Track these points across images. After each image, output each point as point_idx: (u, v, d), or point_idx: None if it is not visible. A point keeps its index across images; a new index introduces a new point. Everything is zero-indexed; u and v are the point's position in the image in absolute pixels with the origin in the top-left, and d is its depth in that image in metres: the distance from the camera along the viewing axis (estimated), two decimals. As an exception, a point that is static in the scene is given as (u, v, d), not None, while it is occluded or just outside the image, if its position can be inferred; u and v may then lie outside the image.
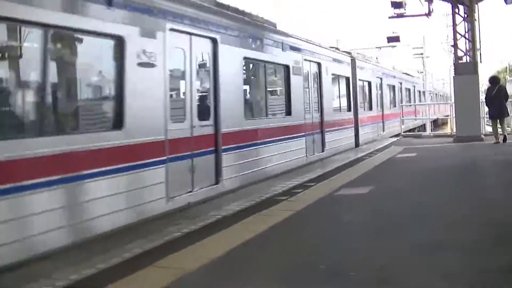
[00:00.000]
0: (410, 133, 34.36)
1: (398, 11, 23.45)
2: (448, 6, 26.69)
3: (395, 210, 10.29)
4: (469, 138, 23.29)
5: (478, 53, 25.49)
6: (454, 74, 26.33)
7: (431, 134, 32.17)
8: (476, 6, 25.70)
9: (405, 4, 23.63)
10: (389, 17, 23.86)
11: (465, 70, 24.62)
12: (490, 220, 8.95)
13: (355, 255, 7.44)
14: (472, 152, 20.27)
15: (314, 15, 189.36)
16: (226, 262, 7.43)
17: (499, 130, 23.06)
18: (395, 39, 28.45)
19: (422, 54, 63.59)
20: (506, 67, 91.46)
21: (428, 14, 22.74)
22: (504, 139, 22.45)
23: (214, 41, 13.26)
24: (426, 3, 22.92)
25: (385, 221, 9.42)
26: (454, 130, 27.27)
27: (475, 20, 25.46)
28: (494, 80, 24.31)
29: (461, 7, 25.54)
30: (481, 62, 25.73)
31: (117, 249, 8.35)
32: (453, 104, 27.02)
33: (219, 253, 7.76)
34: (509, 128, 27.49)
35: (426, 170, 16.18)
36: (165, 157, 11.00)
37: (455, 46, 26.40)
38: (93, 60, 10.03)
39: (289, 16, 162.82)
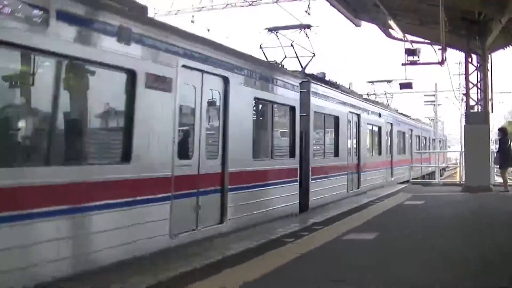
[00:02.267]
0: (419, 180, 34.27)
1: (411, 58, 23.44)
2: (461, 54, 26.71)
3: (398, 259, 10.18)
4: (478, 188, 23.14)
5: (489, 103, 25.48)
6: (465, 123, 26.29)
7: (440, 182, 32.04)
8: (489, 56, 25.76)
9: (419, 51, 23.64)
10: (402, 64, 23.84)
11: (476, 120, 24.61)
12: (492, 275, 8.84)
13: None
14: (481, 202, 20.15)
15: (328, 57, 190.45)
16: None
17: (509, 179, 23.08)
18: (408, 85, 28.37)
19: (434, 101, 63.56)
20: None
21: (441, 62, 22.71)
22: None
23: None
24: (440, 51, 22.90)
25: (388, 270, 9.33)
26: (463, 179, 27.12)
27: (488, 70, 25.48)
28: (503, 130, 24.37)
29: (474, 56, 25.60)
30: (492, 112, 25.73)
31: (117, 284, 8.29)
32: (463, 153, 26.97)
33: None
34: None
35: (433, 218, 16.05)
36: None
37: (467, 95, 26.39)
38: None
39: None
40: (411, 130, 35.80)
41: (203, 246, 11.40)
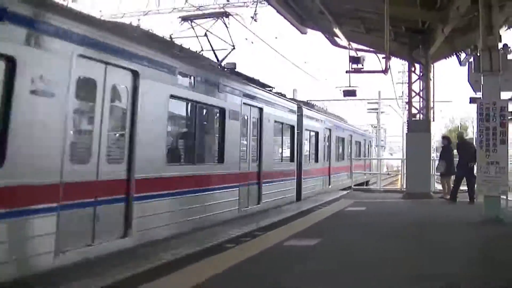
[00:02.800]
0: (361, 187, 34.57)
1: (355, 66, 23.69)
2: (405, 63, 27.08)
3: (339, 264, 10.25)
4: (418, 195, 23.45)
5: (431, 111, 25.87)
6: (407, 131, 26.65)
7: (381, 189, 32.38)
8: (432, 65, 26.16)
9: (363, 59, 23.90)
10: (346, 72, 24.07)
11: (418, 128, 24.99)
12: (432, 276, 8.96)
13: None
14: (421, 209, 20.46)
15: (272, 63, 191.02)
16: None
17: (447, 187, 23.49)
18: (352, 93, 28.65)
19: (377, 109, 64.33)
20: (458, 127, 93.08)
21: (385, 71, 22.98)
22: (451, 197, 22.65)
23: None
24: (384, 60, 23.19)
25: (330, 273, 9.38)
26: (404, 186, 27.47)
27: (430, 79, 25.88)
28: (447, 138, 24.81)
29: (417, 65, 25.98)
30: (434, 120, 26.13)
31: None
32: (404, 160, 27.36)
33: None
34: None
35: (373, 225, 16.19)
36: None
37: (409, 103, 26.77)
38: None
39: (245, 62, 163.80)
40: (351, 136, 35.76)
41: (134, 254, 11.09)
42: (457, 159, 22.80)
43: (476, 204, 20.81)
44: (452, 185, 23.08)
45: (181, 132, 15.50)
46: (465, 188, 22.44)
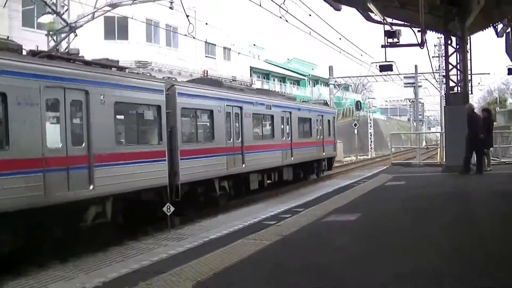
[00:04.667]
0: (400, 161, 34.57)
1: (391, 40, 23.51)
2: (441, 37, 26.83)
3: (381, 237, 10.31)
4: (458, 168, 23.29)
5: (469, 84, 25.64)
6: (445, 104, 26.46)
7: (421, 163, 32.26)
8: (469, 38, 25.89)
9: (399, 33, 23.71)
10: (381, 46, 23.89)
11: (456, 101, 24.73)
12: (474, 252, 8.97)
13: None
14: (461, 182, 20.37)
15: (309, 41, 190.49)
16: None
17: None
18: (388, 67, 28.51)
19: (413, 83, 63.79)
20: (496, 99, 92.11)
21: (421, 44, 22.82)
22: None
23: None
24: (419, 33, 23.00)
25: (371, 247, 9.44)
26: (444, 160, 27.34)
27: (467, 51, 25.62)
28: (488, 111, 24.60)
29: (453, 38, 25.71)
30: (471, 93, 25.91)
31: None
32: (443, 134, 27.20)
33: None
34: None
35: (413, 198, 16.17)
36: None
37: (446, 77, 26.52)
38: None
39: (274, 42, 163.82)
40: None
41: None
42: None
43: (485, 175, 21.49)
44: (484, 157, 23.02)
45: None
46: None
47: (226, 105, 23.39)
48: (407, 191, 18.23)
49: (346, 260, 8.59)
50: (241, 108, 24.74)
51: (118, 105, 16.68)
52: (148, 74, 22.17)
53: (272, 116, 28.60)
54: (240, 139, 24.34)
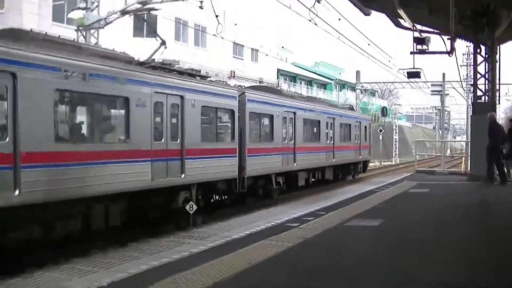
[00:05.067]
0: (424, 169, 34.52)
1: (420, 47, 23.43)
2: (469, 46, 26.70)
3: (403, 245, 10.31)
4: (483, 178, 23.14)
5: (497, 93, 25.51)
6: (472, 113, 26.34)
7: (445, 171, 32.14)
8: (498, 47, 25.75)
9: (428, 40, 23.63)
10: (410, 53, 23.82)
11: (483, 110, 24.57)
12: (495, 266, 8.95)
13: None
14: (486, 192, 20.24)
15: (336, 45, 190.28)
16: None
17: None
18: (416, 74, 28.38)
19: (440, 91, 63.55)
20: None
21: (450, 52, 22.72)
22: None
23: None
24: (449, 41, 22.92)
25: (393, 253, 9.46)
26: (468, 169, 27.22)
27: (496, 61, 25.48)
28: (512, 120, 24.47)
29: (482, 47, 25.58)
30: (499, 103, 25.76)
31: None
32: (469, 143, 27.06)
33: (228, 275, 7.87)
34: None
35: (436, 206, 16.13)
36: None
37: (474, 85, 26.43)
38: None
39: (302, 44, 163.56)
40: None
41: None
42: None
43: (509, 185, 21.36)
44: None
45: None
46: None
47: (284, 111, 26.38)
48: (430, 199, 18.19)
49: (366, 264, 8.62)
50: (294, 113, 27.50)
51: (203, 108, 19.66)
52: (224, 82, 26.01)
53: (319, 121, 31.30)
54: (292, 141, 27.06)
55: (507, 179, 22.63)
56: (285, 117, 26.59)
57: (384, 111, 71.40)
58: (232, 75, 52.53)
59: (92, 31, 34.62)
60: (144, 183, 16.06)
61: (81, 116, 15.42)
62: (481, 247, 10.15)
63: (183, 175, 17.94)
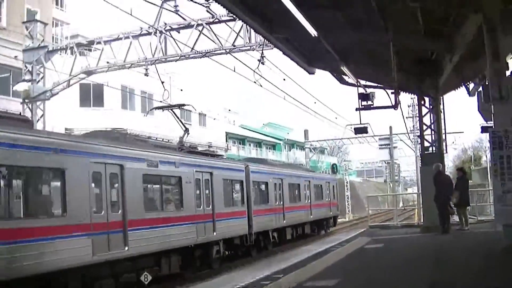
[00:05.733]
0: (378, 224, 34.69)
1: (365, 103, 23.67)
2: (414, 97, 27.07)
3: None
4: (436, 228, 23.19)
5: (443, 143, 25.80)
6: (421, 164, 26.56)
7: (399, 225, 32.20)
8: (441, 97, 26.13)
9: (373, 96, 23.89)
10: (356, 109, 24.06)
11: (431, 161, 24.75)
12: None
13: None
14: (440, 243, 20.24)
15: (284, 105, 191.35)
16: None
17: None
18: (363, 130, 28.61)
19: (388, 145, 64.31)
20: (471, 157, 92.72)
21: (395, 106, 23.02)
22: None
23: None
24: (393, 95, 23.23)
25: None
26: (422, 220, 27.32)
27: (441, 111, 25.83)
28: (462, 170, 24.85)
29: (426, 99, 25.95)
30: (446, 152, 26.03)
31: None
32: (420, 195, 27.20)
33: None
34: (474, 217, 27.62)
35: (391, 261, 16.04)
36: None
37: (421, 137, 26.74)
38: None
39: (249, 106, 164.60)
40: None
41: None
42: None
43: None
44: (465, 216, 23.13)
45: None
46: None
47: (273, 178, 31.20)
48: (384, 255, 18.09)
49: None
50: (282, 180, 32.33)
51: (224, 181, 24.95)
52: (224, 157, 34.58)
53: (299, 185, 35.91)
54: (281, 202, 31.65)
55: (448, 228, 22.67)
56: (275, 183, 31.24)
57: (334, 168, 71.85)
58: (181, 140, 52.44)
59: (38, 102, 34.36)
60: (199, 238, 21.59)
61: (156, 191, 20.19)
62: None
63: (215, 233, 22.85)
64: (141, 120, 50.03)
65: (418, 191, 41.69)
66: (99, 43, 33.68)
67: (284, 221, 31.45)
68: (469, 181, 24.27)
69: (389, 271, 14.10)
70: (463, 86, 26.03)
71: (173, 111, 25.11)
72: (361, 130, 29.11)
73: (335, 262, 16.40)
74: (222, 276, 20.38)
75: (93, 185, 15.80)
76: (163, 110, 27.62)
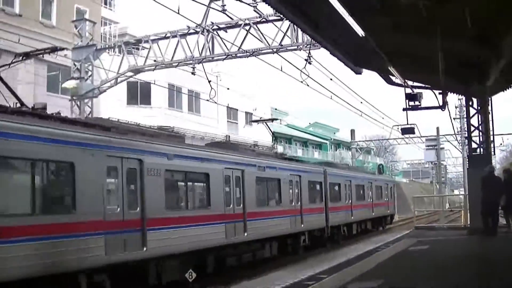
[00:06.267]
0: (424, 225, 34.51)
1: (412, 103, 23.51)
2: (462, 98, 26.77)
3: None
4: (483, 231, 22.92)
5: (491, 145, 25.48)
6: (468, 166, 26.29)
7: (445, 226, 31.94)
8: (490, 98, 25.82)
9: (420, 96, 23.71)
10: (403, 109, 23.92)
11: (479, 163, 24.49)
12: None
13: None
14: (487, 246, 20.03)
15: (330, 104, 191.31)
16: None
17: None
18: (410, 130, 28.44)
19: (435, 146, 63.70)
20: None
21: (442, 107, 22.83)
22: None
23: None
24: (440, 96, 23.02)
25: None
26: (468, 222, 27.03)
27: (489, 112, 25.52)
28: (509, 172, 24.40)
29: (474, 100, 25.66)
30: (494, 154, 25.69)
31: None
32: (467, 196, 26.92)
33: None
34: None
35: (437, 263, 15.93)
36: None
37: (469, 138, 26.42)
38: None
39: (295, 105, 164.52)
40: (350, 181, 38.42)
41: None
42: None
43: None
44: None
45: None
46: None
47: (344, 179, 35.04)
48: (430, 257, 17.95)
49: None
50: (350, 181, 36.08)
51: (309, 182, 29.05)
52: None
53: (363, 186, 39.71)
54: (350, 201, 35.35)
55: (496, 231, 22.46)
56: (345, 184, 34.97)
57: (380, 169, 71.40)
58: (228, 139, 52.67)
59: (86, 100, 34.83)
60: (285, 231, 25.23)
61: (263, 190, 24.58)
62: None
63: (302, 225, 27.04)
64: (187, 119, 50.46)
65: (465, 192, 41.21)
66: (146, 41, 34.03)
67: (352, 217, 35.46)
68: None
69: (434, 273, 14.02)
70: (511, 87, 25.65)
71: (266, 124, 33.66)
72: (408, 131, 28.95)
73: (380, 263, 16.35)
74: (268, 274, 20.41)
75: (225, 185, 20.70)
76: (258, 123, 36.31)
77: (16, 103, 14.77)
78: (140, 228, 15.36)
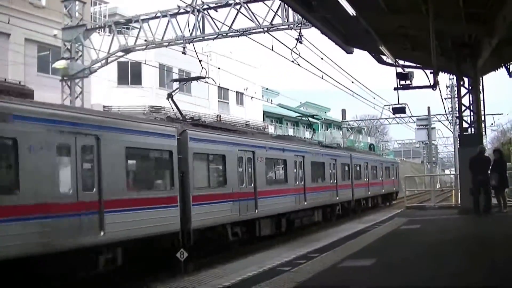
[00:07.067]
0: (415, 205, 34.64)
1: (403, 82, 23.44)
2: (453, 78, 26.73)
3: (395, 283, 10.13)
4: (474, 210, 22.99)
5: (483, 124, 25.46)
6: (459, 146, 26.29)
7: (435, 206, 32.03)
8: (481, 78, 25.80)
9: (411, 76, 23.64)
10: (394, 89, 23.86)
11: (470, 142, 24.51)
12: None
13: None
14: (478, 225, 20.09)
15: (321, 84, 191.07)
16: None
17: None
18: (401, 110, 28.43)
19: (426, 125, 63.72)
20: (510, 139, 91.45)
21: (434, 86, 22.73)
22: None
23: None
24: (432, 75, 22.94)
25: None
26: (459, 202, 27.10)
27: (480, 92, 25.51)
28: (499, 151, 24.46)
29: (465, 79, 25.62)
30: (485, 134, 25.71)
31: None
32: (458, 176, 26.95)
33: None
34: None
35: (428, 242, 15.93)
36: None
37: (460, 118, 26.40)
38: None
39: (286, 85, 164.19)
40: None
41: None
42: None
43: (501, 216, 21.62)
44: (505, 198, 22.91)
45: None
46: None
47: (364, 162, 41.79)
48: (421, 236, 18.00)
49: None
50: (367, 163, 42.83)
51: (341, 164, 35.40)
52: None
53: (376, 167, 46.16)
54: (367, 179, 42.31)
55: (490, 209, 22.61)
56: (365, 166, 41.91)
57: (371, 149, 71.49)
58: (218, 119, 52.56)
59: (76, 80, 34.65)
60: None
61: (314, 169, 30.27)
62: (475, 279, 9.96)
63: (337, 198, 33.56)
64: (178, 99, 50.22)
65: (455, 172, 41.32)
66: (136, 21, 33.78)
67: (369, 192, 42.57)
68: (507, 163, 23.84)
69: (426, 252, 14.04)
70: (503, 67, 25.61)
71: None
72: (399, 110, 28.97)
73: (370, 243, 16.38)
74: (255, 255, 20.37)
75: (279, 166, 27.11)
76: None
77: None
78: None
